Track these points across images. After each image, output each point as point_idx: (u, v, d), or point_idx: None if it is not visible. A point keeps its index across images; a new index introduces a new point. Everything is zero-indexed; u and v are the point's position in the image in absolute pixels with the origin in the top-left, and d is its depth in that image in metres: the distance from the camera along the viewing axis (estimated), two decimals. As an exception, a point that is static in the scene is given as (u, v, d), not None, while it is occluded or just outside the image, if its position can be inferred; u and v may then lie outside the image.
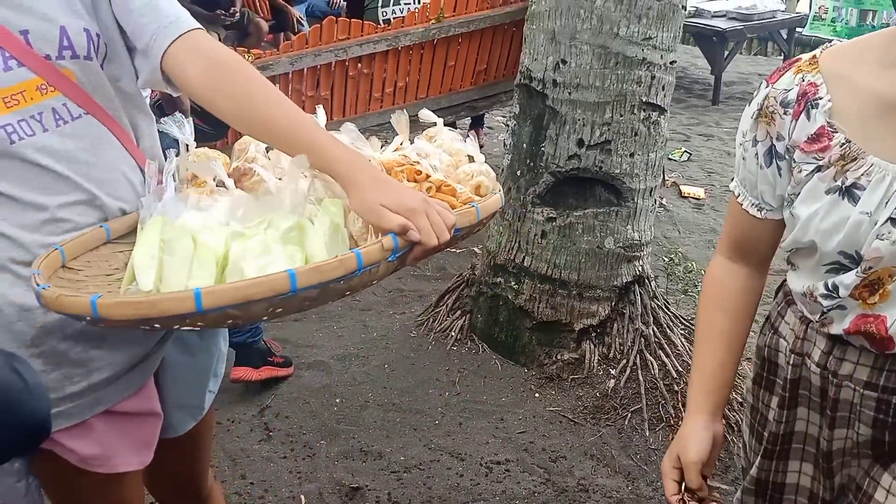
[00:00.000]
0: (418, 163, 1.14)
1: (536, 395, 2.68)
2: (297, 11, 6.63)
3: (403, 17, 3.68)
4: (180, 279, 0.95)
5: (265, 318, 0.93)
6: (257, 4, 7.02)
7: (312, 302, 0.92)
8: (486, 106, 4.15)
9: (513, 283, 2.75)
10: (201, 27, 1.08)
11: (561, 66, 2.50)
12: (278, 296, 0.86)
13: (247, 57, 3.24)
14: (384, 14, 3.73)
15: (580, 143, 2.53)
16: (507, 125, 2.80)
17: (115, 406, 1.13)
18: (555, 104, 2.54)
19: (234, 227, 1.02)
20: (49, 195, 1.04)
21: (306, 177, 1.09)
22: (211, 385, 1.34)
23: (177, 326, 0.91)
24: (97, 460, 1.12)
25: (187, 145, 1.20)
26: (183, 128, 1.18)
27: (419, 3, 3.76)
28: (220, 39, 6.25)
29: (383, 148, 1.23)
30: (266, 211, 1.03)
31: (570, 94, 2.50)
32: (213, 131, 3.02)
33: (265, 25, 6.58)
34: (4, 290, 1.02)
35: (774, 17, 6.86)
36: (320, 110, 1.23)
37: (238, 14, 6.36)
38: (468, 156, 1.22)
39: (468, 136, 1.27)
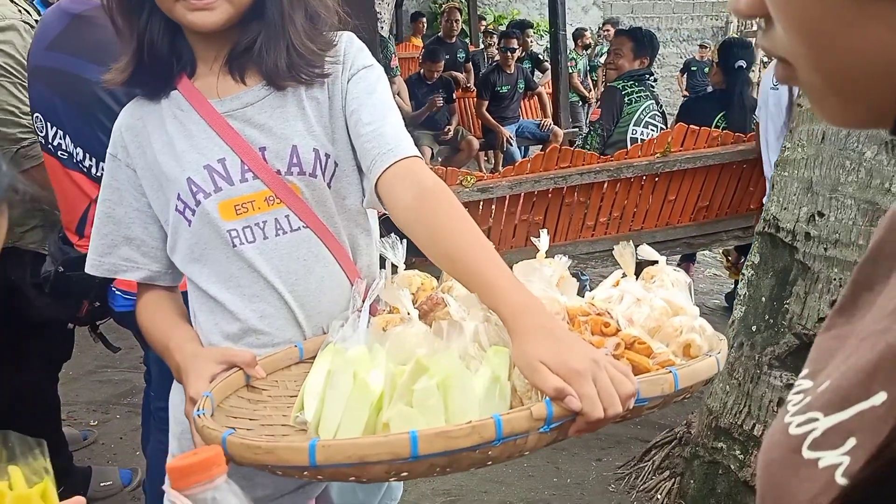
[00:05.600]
0: (606, 313, 0.98)
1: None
2: (508, 131, 6.88)
3: (638, 143, 3.62)
4: (335, 416, 0.90)
5: (389, 479, 0.84)
6: (471, 123, 7.39)
7: (442, 469, 0.80)
8: (704, 244, 3.91)
9: (738, 451, 2.43)
10: (418, 155, 1.11)
11: (817, 218, 2.26)
12: (398, 460, 0.76)
13: (469, 179, 3.30)
14: (634, 133, 3.70)
15: (834, 305, 2.23)
16: (744, 274, 2.57)
17: None
18: (806, 259, 2.28)
19: (393, 367, 0.95)
20: (255, 303, 1.13)
21: (489, 316, 0.99)
22: None
23: (297, 476, 0.87)
24: None
25: (394, 267, 1.20)
26: (396, 249, 1.19)
27: (659, 132, 3.71)
28: (433, 154, 6.62)
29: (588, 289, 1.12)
30: (430, 351, 0.95)
31: (825, 249, 2.24)
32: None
33: (476, 143, 6.89)
34: None
35: None
36: (544, 234, 1.17)
37: (452, 131, 6.73)
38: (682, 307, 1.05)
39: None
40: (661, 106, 3.90)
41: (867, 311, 0.50)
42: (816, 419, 0.43)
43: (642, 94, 3.78)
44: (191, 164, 1.12)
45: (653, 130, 3.70)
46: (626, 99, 3.76)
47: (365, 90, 1.14)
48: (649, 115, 3.76)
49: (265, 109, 1.13)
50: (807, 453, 0.42)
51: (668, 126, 3.89)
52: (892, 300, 0.45)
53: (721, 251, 4.40)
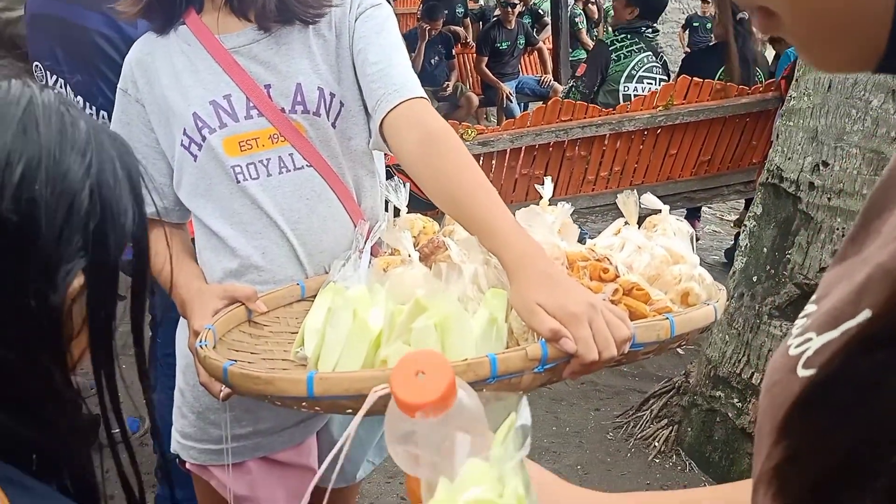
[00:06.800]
0: (606, 259, 0.99)
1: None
2: (508, 87, 6.80)
3: (631, 101, 3.56)
4: (335, 352, 0.91)
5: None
6: (471, 79, 7.30)
7: None
8: (705, 199, 3.90)
9: (736, 399, 2.46)
10: (424, 96, 1.10)
11: (821, 168, 2.25)
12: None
13: (470, 132, 3.28)
14: (626, 89, 3.60)
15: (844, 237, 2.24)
16: (746, 224, 2.57)
17: (274, 454, 1.18)
18: (809, 209, 2.28)
19: (392, 306, 0.95)
20: (258, 240, 1.13)
21: (489, 259, 1.00)
22: (371, 455, 1.31)
23: (296, 408, 0.89)
24: (248, 501, 1.17)
25: (397, 210, 1.20)
26: (399, 192, 1.19)
27: (659, 84, 3.59)
28: (431, 110, 6.55)
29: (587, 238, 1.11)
30: (429, 292, 0.95)
31: (829, 199, 2.24)
32: (427, 199, 3.05)
33: (476, 99, 6.83)
34: None
35: None
36: (548, 181, 1.17)
37: (451, 88, 6.66)
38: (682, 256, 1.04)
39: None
40: (662, 57, 3.77)
41: (876, 237, 0.51)
42: (811, 339, 0.45)
43: (634, 46, 3.61)
44: (196, 99, 1.11)
45: (650, 84, 3.61)
46: (613, 55, 3.60)
47: (373, 29, 1.13)
48: (644, 68, 3.61)
49: (271, 46, 1.12)
50: (801, 371, 0.43)
51: (671, 78, 3.83)
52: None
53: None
